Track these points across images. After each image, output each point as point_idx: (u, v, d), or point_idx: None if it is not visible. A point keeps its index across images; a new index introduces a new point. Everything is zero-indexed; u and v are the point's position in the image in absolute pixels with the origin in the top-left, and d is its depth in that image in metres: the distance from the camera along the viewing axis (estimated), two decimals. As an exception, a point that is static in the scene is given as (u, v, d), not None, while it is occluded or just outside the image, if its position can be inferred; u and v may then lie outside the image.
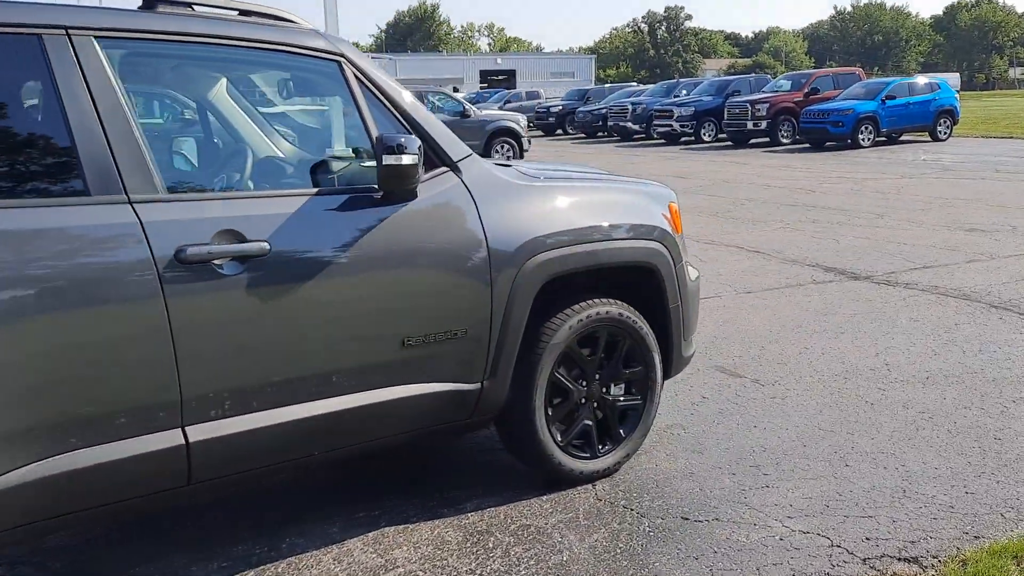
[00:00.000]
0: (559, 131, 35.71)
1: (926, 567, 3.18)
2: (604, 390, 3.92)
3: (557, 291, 3.82)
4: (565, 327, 3.70)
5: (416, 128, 3.36)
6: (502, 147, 20.76)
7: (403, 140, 3.08)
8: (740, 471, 3.98)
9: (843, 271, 8.34)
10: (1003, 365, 5.40)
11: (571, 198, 3.78)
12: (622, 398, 3.99)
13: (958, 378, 5.19)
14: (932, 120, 23.93)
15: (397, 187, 3.14)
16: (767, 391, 5.05)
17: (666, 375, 4.21)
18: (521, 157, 21.13)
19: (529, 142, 21.56)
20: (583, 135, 33.76)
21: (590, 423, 3.88)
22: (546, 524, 3.52)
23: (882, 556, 3.24)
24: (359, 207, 3.17)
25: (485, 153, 20.47)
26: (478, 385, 3.50)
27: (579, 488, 3.83)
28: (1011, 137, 25.26)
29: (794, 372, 5.39)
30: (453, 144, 3.47)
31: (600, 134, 32.59)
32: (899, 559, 3.22)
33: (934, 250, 9.18)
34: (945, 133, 24.27)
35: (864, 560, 3.21)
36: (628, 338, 3.94)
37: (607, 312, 3.83)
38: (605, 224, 3.79)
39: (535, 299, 3.59)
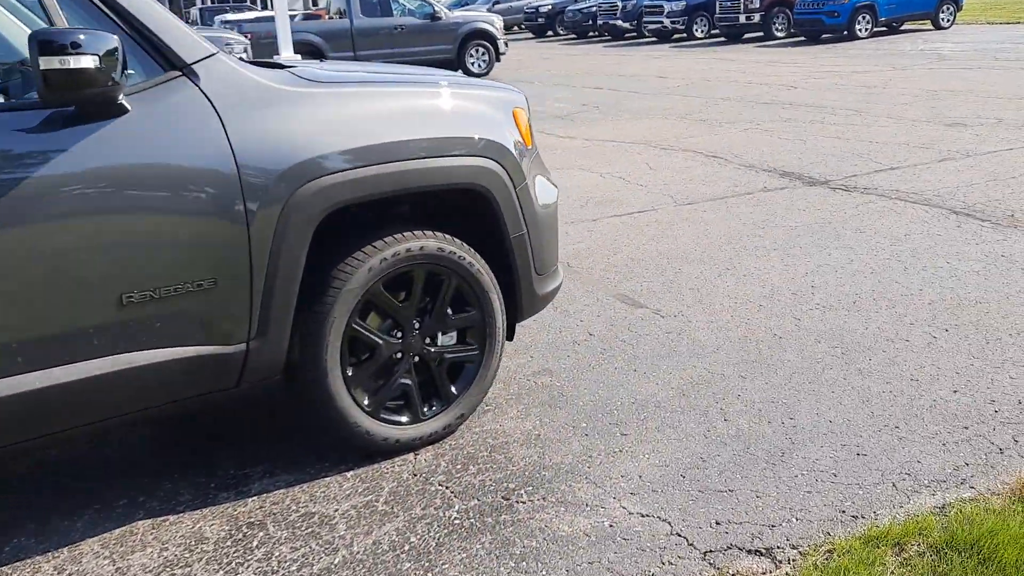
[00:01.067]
0: (549, 32, 34.20)
1: (780, 562, 2.53)
2: (427, 341, 3.24)
3: (354, 224, 3.11)
4: (363, 269, 3.00)
5: (127, 20, 2.61)
6: (476, 51, 19.66)
7: (80, 37, 2.33)
8: (596, 431, 3.33)
9: (800, 176, 7.55)
10: (945, 284, 4.67)
11: (365, 106, 3.03)
12: (453, 349, 3.32)
13: (890, 302, 4.47)
14: (934, 7, 22.51)
15: (72, 99, 2.41)
16: (666, 325, 4.36)
17: (516, 318, 3.52)
18: (498, 60, 20.05)
19: (506, 45, 20.42)
20: (573, 36, 32.29)
21: (409, 382, 3.22)
22: (336, 511, 2.89)
23: (728, 548, 2.59)
24: (39, 128, 2.45)
25: (459, 59, 19.42)
26: (241, 347, 2.82)
27: (397, 460, 3.19)
28: (1018, 23, 23.80)
29: (706, 299, 4.68)
30: (185, 42, 2.71)
31: (591, 34, 31.15)
32: (749, 551, 2.58)
33: (906, 148, 8.34)
34: (948, 20, 22.86)
35: (705, 554, 2.57)
36: (455, 278, 3.24)
37: (421, 248, 3.12)
38: (412, 138, 3.05)
39: (315, 236, 2.89)
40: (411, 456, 3.21)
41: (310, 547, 2.71)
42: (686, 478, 2.96)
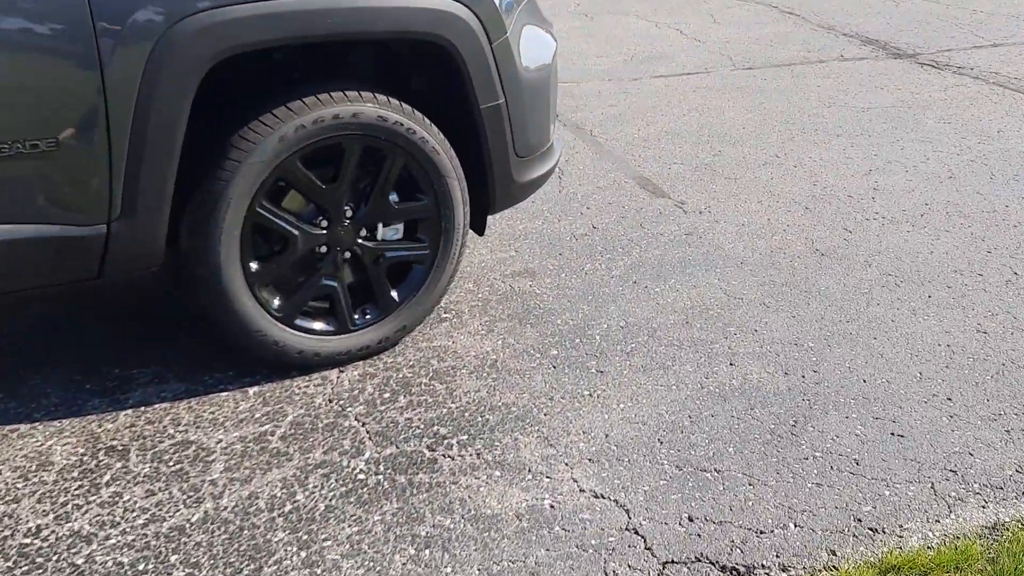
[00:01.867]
0: None
1: (762, 590, 1.90)
2: (363, 234, 2.56)
3: (263, 78, 2.39)
4: (273, 138, 2.30)
5: None
6: None
7: None
8: (567, 363, 2.66)
9: (885, 45, 6.49)
10: (1039, 203, 3.80)
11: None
12: (396, 246, 2.63)
13: (966, 219, 3.64)
14: None
15: None
16: (687, 223, 3.61)
17: (487, 209, 2.81)
18: None
19: None
20: None
21: (335, 284, 2.56)
22: (218, 444, 2.31)
23: (696, 560, 1.96)
24: None
25: None
26: (100, 229, 2.18)
27: (315, 378, 2.58)
28: None
29: (742, 193, 3.89)
30: None
31: None
32: (722, 569, 1.94)
33: (1015, 22, 7.14)
34: None
35: (664, 566, 1.94)
36: (401, 156, 2.52)
37: (355, 115, 2.39)
38: None
39: (207, 92, 2.18)
40: (334, 374, 2.60)
41: (170, 493, 2.14)
42: (664, 444, 2.31)
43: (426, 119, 2.54)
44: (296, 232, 2.45)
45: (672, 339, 2.79)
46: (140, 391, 2.53)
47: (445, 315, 2.92)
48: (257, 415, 2.42)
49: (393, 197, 2.60)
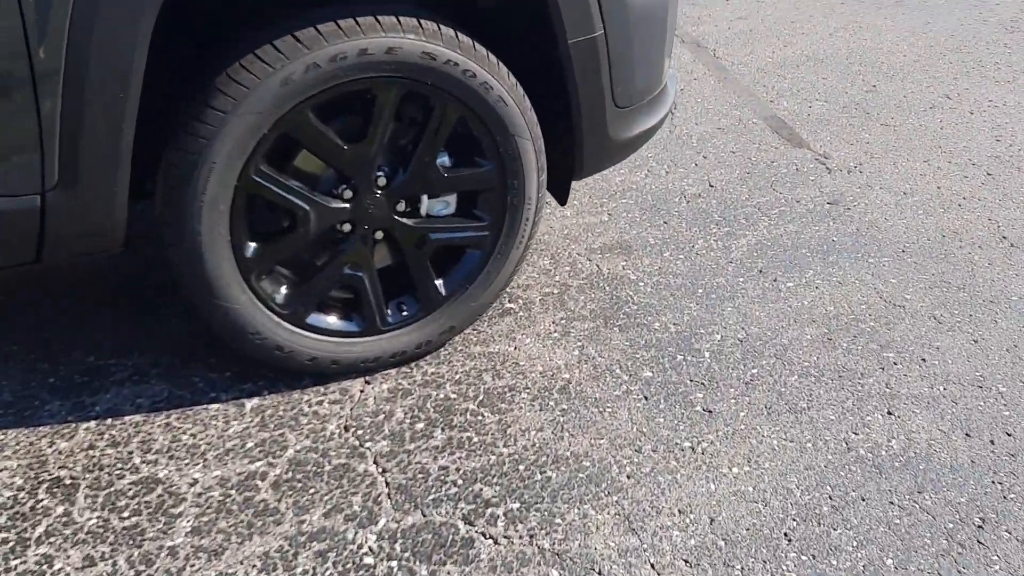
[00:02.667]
0: None
1: None
2: (400, 208, 1.91)
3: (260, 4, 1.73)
4: (274, 80, 1.65)
5: None
6: None
7: None
8: (663, 394, 2.00)
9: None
10: None
11: None
12: (445, 225, 1.97)
13: None
14: None
15: None
16: (830, 185, 2.83)
17: (571, 174, 2.11)
18: None
19: None
20: None
21: (360, 273, 1.93)
22: (191, 487, 1.75)
23: None
24: None
25: None
26: (31, 201, 1.58)
27: (332, 390, 1.99)
28: None
29: (902, 148, 3.07)
30: None
31: None
32: None
33: None
34: None
35: None
36: (454, 106, 1.84)
37: (391, 48, 1.71)
38: None
39: (176, 17, 1.54)
40: (356, 387, 2.00)
41: (114, 564, 1.59)
42: (793, 544, 1.64)
43: (491, 56, 1.83)
44: (308, 206, 1.81)
45: (808, 365, 2.08)
46: (112, 393, 1.98)
47: (509, 305, 2.27)
48: (248, 445, 1.84)
49: (443, 160, 1.93)
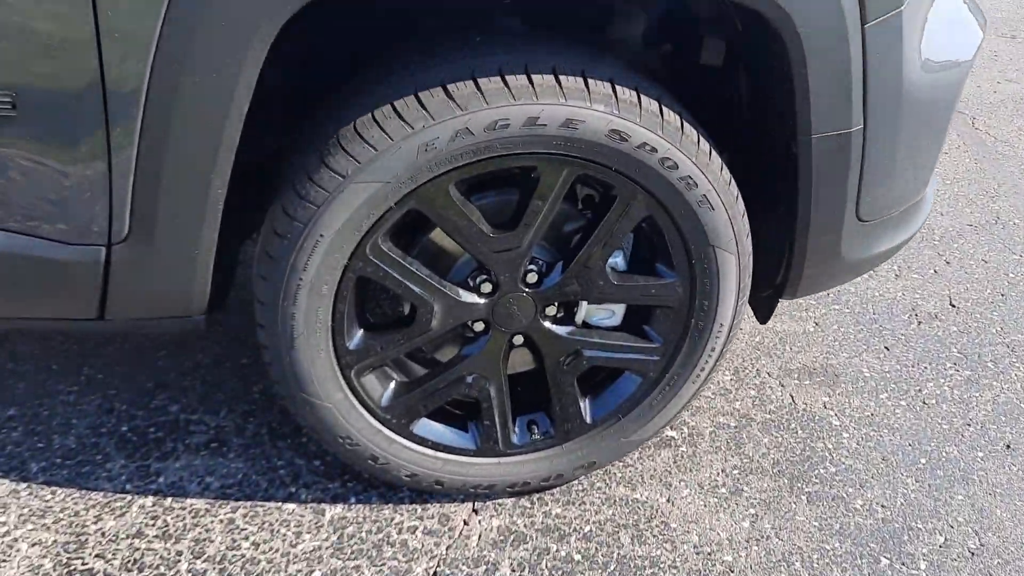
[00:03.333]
0: None
1: None
2: (551, 313, 1.49)
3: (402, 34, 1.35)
4: (411, 144, 1.25)
5: None
6: None
7: None
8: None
9: None
10: None
11: None
12: (605, 341, 1.54)
13: None
14: None
15: None
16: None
17: (780, 292, 1.62)
18: None
19: None
20: None
21: (488, 383, 1.52)
22: (232, 620, 1.41)
23: None
24: None
25: None
26: (96, 253, 1.27)
27: (427, 517, 1.60)
28: None
29: None
30: None
31: None
32: None
33: None
34: None
35: None
36: (644, 200, 1.39)
37: (571, 120, 1.28)
38: None
39: (294, 46, 1.18)
40: (460, 516, 1.60)
41: None
42: None
43: (703, 142, 1.37)
44: (434, 298, 1.42)
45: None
46: (183, 462, 1.67)
47: (670, 433, 1.81)
48: (315, 574, 1.48)
49: (616, 261, 1.49)
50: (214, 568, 1.48)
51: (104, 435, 1.72)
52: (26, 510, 1.56)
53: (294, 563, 1.49)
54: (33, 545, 1.50)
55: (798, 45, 1.28)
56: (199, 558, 1.50)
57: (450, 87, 1.25)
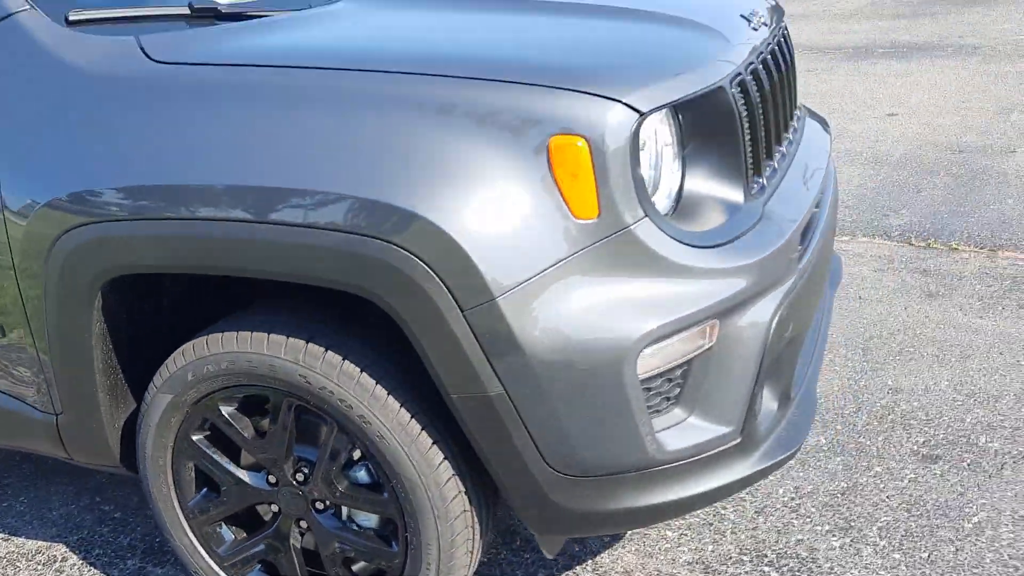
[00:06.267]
0: None
1: None
2: (315, 504, 1.95)
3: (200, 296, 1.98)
4: (184, 372, 1.89)
5: None
6: None
7: None
8: None
9: None
10: None
11: (210, 116, 1.76)
12: (356, 537, 1.94)
13: None
14: None
15: None
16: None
17: (550, 532, 1.86)
18: None
19: None
20: None
21: (275, 558, 2.01)
22: None
23: None
24: None
25: None
26: (51, 418, 2.11)
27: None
28: None
29: None
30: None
31: None
32: None
33: None
34: None
35: None
36: (341, 431, 1.82)
37: (272, 366, 1.80)
38: (223, 183, 1.71)
39: (113, 305, 1.91)
40: (277, 655, 2.06)
41: None
42: None
43: (378, 388, 1.75)
44: (231, 480, 1.98)
45: None
46: None
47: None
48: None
49: (359, 474, 1.90)
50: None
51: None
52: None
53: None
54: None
55: (407, 325, 1.64)
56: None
57: (209, 337, 1.85)
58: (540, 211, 1.61)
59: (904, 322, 3.19)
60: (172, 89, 1.79)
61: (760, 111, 1.95)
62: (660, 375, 1.71)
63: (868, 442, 2.57)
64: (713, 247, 1.74)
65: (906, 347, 3.03)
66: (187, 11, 2.05)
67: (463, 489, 1.80)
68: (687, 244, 1.71)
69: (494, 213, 1.60)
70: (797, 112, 2.45)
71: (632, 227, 1.65)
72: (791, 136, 2.25)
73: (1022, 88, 6.18)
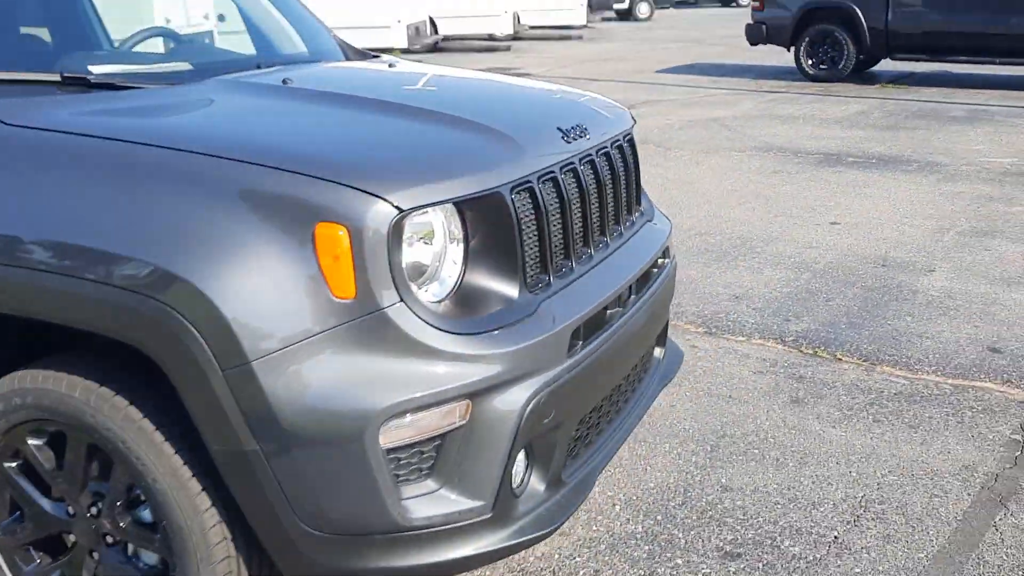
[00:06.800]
0: None
1: None
2: (106, 538, 2.11)
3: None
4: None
5: None
6: None
7: None
8: None
9: None
10: None
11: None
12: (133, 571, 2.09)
13: None
14: None
15: None
16: None
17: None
18: None
19: None
20: None
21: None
22: None
23: None
24: None
25: None
26: None
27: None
28: None
29: None
30: None
31: None
32: None
33: None
34: None
35: None
36: (123, 467, 1.99)
37: (63, 400, 1.97)
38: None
39: None
40: None
41: None
42: None
43: (158, 433, 1.92)
44: (33, 507, 2.14)
45: None
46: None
47: None
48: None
49: (144, 514, 2.05)
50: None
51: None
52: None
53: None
54: None
55: (175, 379, 1.81)
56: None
57: (13, 374, 2.04)
58: (302, 288, 1.80)
59: (760, 425, 3.33)
60: (14, 149, 2.01)
61: (556, 215, 2.14)
62: (409, 447, 1.88)
63: (680, 535, 2.69)
64: (473, 335, 1.92)
65: (752, 448, 3.16)
66: (58, 78, 2.28)
67: (228, 536, 1.95)
68: (443, 330, 1.88)
69: (259, 286, 1.79)
70: (632, 216, 2.63)
71: (386, 309, 1.83)
72: (609, 239, 2.43)
73: (968, 209, 6.35)
